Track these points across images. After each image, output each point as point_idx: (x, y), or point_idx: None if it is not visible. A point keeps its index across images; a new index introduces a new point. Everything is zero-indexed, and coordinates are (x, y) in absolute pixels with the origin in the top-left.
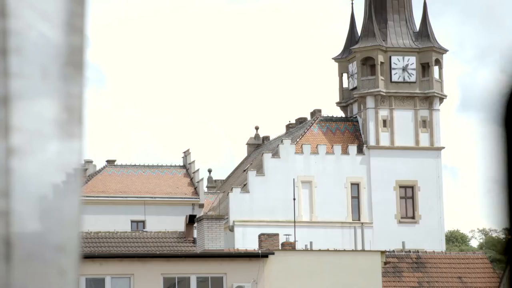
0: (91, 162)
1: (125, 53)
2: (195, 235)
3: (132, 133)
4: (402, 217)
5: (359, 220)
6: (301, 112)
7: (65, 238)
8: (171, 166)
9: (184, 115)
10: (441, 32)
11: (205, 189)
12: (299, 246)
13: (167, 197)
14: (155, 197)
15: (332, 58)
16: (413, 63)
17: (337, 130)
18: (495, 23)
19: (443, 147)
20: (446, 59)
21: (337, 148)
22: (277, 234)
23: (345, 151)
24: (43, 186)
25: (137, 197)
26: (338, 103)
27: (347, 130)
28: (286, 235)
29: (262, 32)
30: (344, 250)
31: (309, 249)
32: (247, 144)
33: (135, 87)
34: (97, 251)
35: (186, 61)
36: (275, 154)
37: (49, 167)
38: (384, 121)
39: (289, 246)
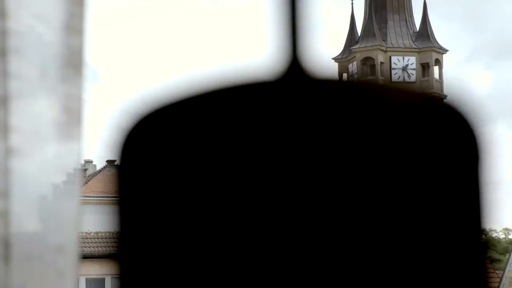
0: (91, 162)
1: (124, 52)
2: None
3: None
4: None
5: None
6: None
7: (65, 239)
8: None
9: None
10: (440, 32)
11: None
12: None
13: None
14: None
15: (332, 58)
16: (413, 63)
17: None
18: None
19: None
20: (445, 58)
21: None
22: None
23: None
24: (42, 186)
25: None
26: None
27: None
28: None
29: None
30: None
31: None
32: None
33: (134, 86)
34: (97, 251)
35: (185, 61)
36: None
37: (48, 168)
38: None
39: None
